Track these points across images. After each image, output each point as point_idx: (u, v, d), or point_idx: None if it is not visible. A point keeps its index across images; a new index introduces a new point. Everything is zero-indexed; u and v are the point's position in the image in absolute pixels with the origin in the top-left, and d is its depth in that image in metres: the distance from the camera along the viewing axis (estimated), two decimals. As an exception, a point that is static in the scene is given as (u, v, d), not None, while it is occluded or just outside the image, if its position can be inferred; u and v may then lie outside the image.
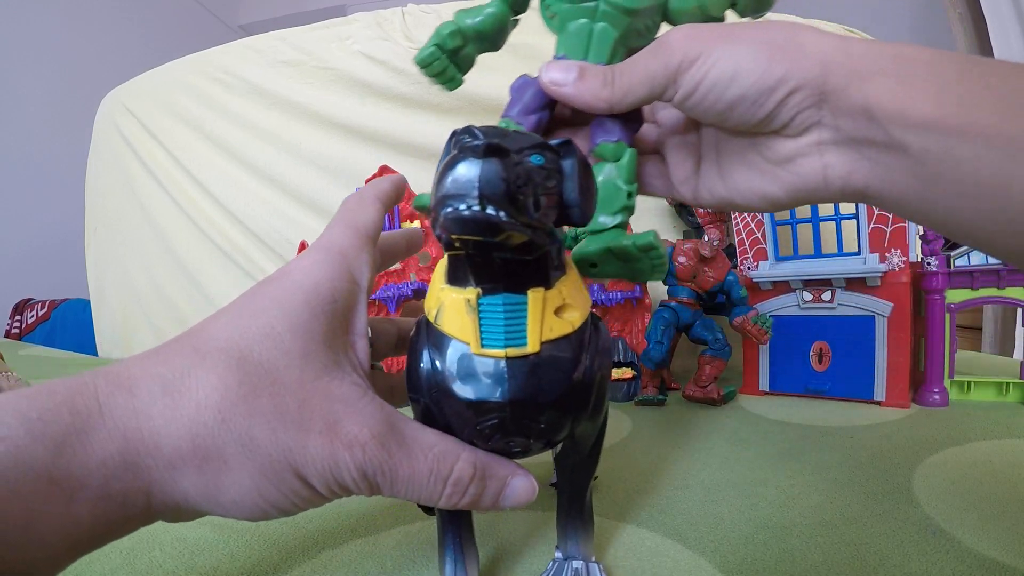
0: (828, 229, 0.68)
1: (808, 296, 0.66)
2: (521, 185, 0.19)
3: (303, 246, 0.87)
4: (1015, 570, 0.28)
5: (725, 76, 0.24)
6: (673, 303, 0.69)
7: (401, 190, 0.30)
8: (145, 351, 0.21)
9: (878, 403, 0.62)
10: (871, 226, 0.62)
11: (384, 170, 0.80)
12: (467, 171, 0.18)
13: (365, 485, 0.21)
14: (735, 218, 0.71)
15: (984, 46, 1.96)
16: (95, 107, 1.22)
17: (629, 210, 0.29)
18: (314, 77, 1.04)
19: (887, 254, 0.61)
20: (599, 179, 0.28)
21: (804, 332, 0.67)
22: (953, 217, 0.22)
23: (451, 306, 0.22)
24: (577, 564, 0.28)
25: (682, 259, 0.68)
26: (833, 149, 0.24)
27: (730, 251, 0.80)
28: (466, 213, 0.18)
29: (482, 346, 0.22)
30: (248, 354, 0.20)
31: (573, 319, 0.23)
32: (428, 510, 0.34)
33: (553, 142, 0.22)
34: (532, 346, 0.22)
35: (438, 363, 0.23)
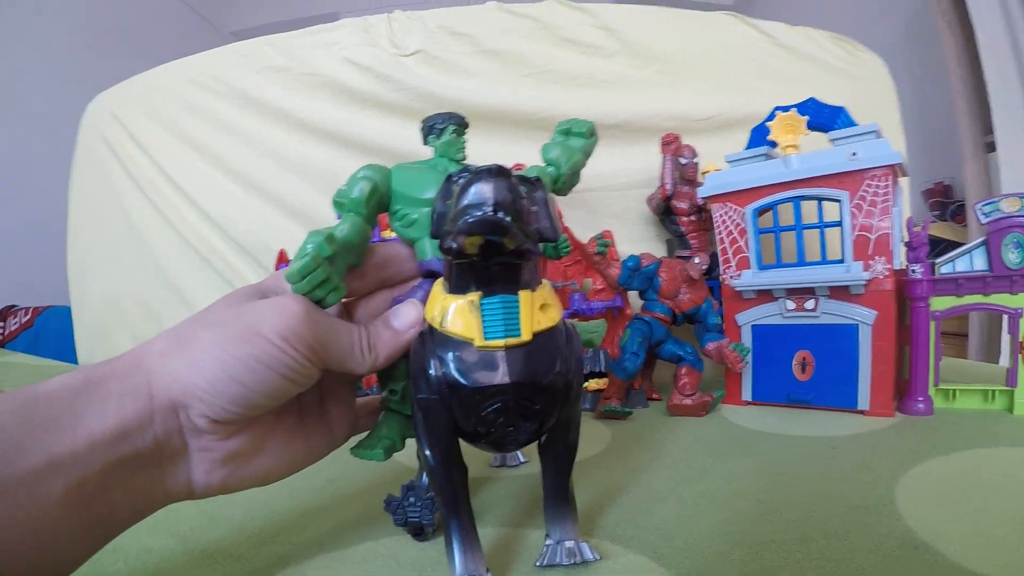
0: (812, 237, 0.68)
1: (791, 305, 0.65)
2: (519, 199, 0.24)
3: (282, 254, 0.86)
4: (996, 586, 0.27)
5: None
6: (648, 317, 0.69)
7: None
8: None
9: (862, 412, 0.61)
10: (855, 234, 0.61)
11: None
12: (483, 187, 0.23)
13: (304, 349, 0.27)
14: (717, 226, 0.70)
15: (972, 53, 1.98)
16: (81, 112, 1.21)
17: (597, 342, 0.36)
18: (300, 83, 1.03)
19: (871, 262, 0.61)
20: None
21: (787, 341, 0.66)
22: None
23: (456, 310, 0.27)
24: (569, 544, 0.31)
25: (665, 275, 0.69)
26: None
27: (713, 259, 0.79)
28: (483, 216, 0.23)
29: (485, 339, 0.26)
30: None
31: (552, 316, 0.28)
32: (417, 534, 0.35)
33: (527, 175, 0.27)
34: (526, 335, 0.26)
35: (445, 361, 0.26)
